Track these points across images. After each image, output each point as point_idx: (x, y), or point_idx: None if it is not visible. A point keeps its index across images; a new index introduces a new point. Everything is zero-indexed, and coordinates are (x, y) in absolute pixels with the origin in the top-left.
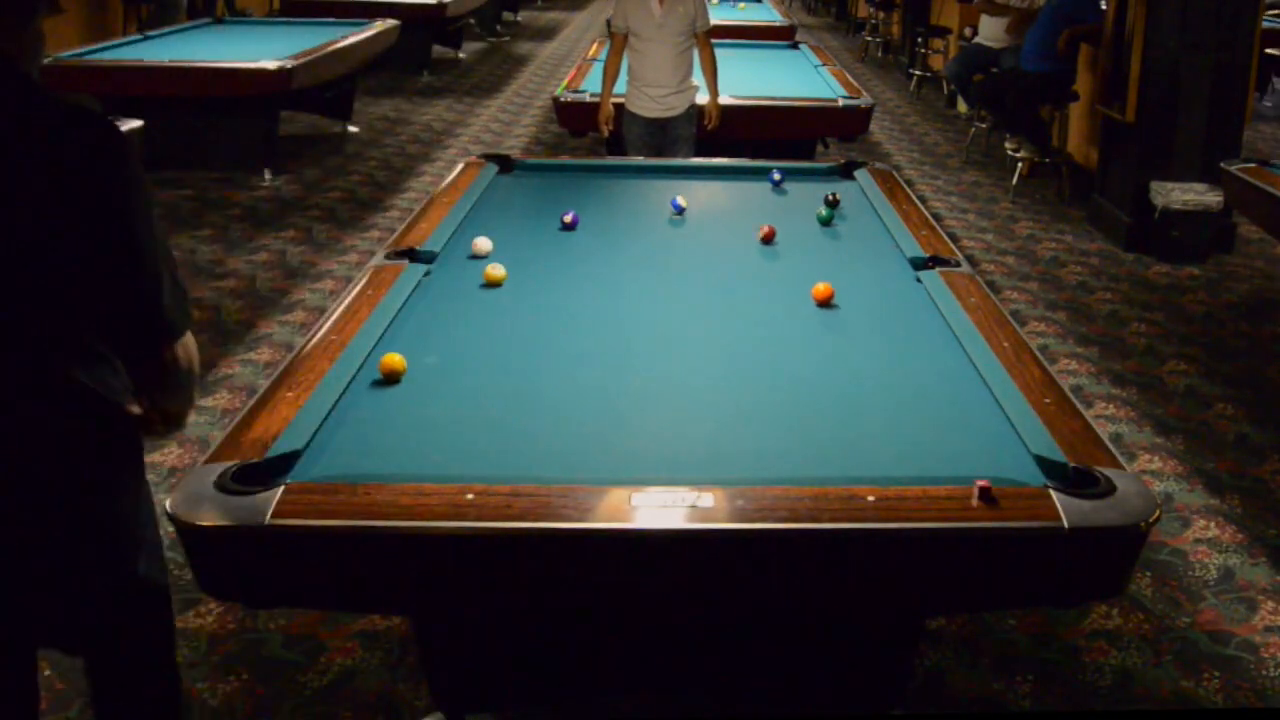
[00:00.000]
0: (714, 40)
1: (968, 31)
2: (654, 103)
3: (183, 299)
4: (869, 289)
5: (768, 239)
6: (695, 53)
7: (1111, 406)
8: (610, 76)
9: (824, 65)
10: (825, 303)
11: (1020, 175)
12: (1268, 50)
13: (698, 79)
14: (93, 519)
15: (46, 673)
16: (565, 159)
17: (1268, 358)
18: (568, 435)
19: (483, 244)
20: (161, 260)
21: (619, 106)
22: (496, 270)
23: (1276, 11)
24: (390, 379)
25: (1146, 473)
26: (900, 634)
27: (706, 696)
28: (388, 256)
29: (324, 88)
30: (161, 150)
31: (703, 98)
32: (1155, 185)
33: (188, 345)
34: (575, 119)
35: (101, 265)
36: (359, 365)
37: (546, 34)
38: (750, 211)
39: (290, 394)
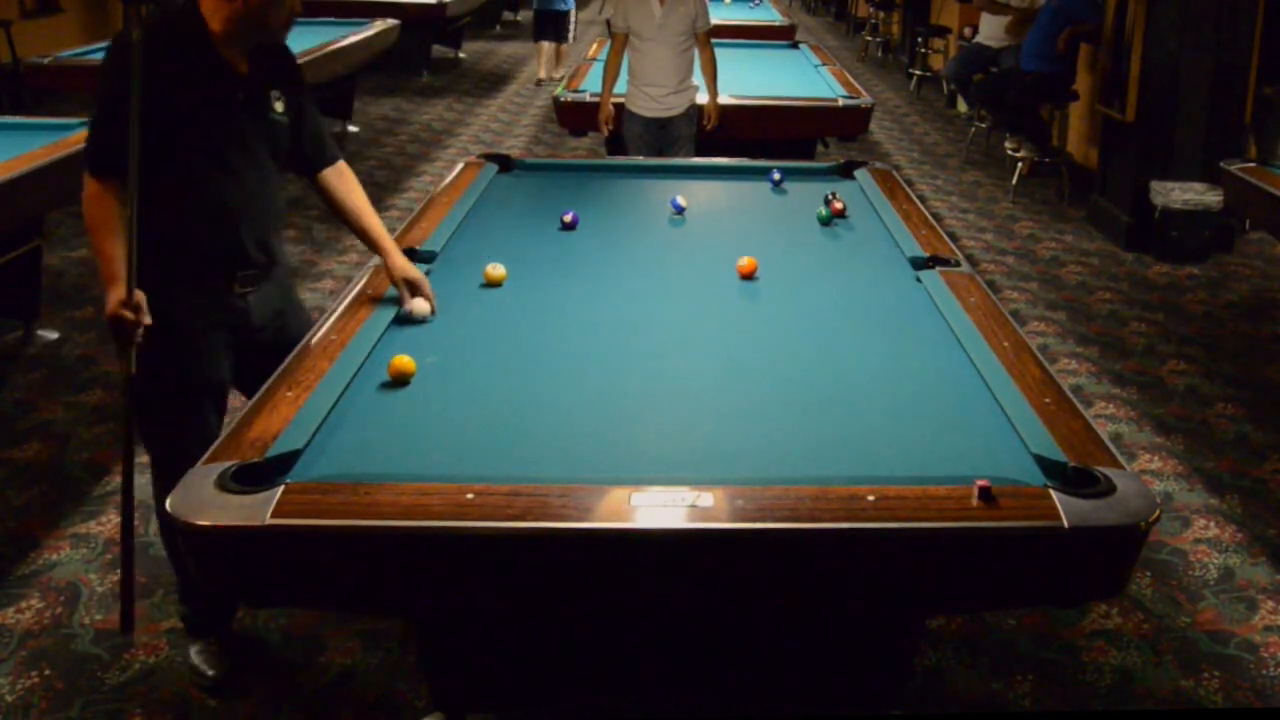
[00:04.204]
0: (714, 40)
1: (967, 31)
2: (654, 102)
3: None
4: (869, 289)
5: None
6: (695, 53)
7: (1111, 406)
8: (610, 76)
9: (824, 65)
10: (749, 276)
11: (1020, 175)
12: None
13: (698, 79)
14: None
15: (46, 672)
16: (565, 159)
17: (1268, 358)
18: (568, 435)
19: (495, 270)
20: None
21: (619, 106)
22: (496, 270)
23: None
24: (399, 380)
25: (1146, 473)
26: (900, 634)
27: (706, 696)
28: None
29: (324, 87)
30: None
31: (703, 97)
32: (1155, 185)
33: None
34: (575, 119)
35: None
36: (359, 365)
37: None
38: (750, 211)
39: (290, 394)
